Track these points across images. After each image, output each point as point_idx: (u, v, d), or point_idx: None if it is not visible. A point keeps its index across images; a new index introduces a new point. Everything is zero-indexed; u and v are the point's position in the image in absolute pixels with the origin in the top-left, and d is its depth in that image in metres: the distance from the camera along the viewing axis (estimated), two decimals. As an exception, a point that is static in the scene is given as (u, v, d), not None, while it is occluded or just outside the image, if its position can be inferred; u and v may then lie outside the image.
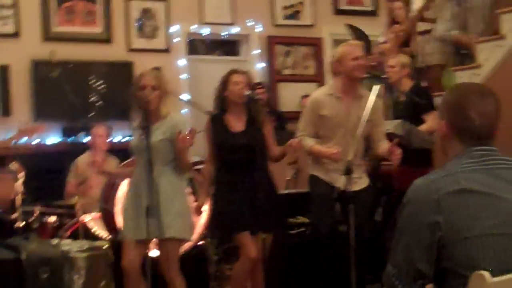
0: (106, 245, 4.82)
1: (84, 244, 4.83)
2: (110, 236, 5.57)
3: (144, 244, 4.60)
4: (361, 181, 5.05)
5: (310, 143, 5.04)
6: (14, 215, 5.96)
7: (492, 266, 2.06)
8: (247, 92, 4.95)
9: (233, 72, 5.07)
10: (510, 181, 2.19)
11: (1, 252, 3.67)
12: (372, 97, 4.73)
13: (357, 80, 5.09)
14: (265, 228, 5.00)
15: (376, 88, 4.78)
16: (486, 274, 2.01)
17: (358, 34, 7.88)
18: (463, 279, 2.07)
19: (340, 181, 4.78)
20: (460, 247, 2.10)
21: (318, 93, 5.23)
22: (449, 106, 2.32)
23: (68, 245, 4.71)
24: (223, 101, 5.05)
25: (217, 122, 5.04)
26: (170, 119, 4.77)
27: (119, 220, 5.14)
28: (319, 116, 5.04)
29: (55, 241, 4.88)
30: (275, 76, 9.33)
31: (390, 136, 5.23)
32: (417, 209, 2.18)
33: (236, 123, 5.03)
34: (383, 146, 4.97)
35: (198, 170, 5.51)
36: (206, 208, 5.28)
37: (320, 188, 5.04)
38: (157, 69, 7.00)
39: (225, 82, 5.01)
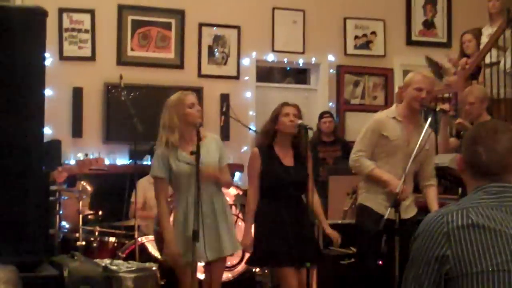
0: (155, 267, 4.89)
1: (133, 264, 4.90)
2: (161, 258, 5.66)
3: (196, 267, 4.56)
4: (410, 209, 4.98)
5: (370, 165, 4.97)
6: (77, 234, 6.17)
7: None
8: (299, 121, 4.95)
9: (284, 104, 5.07)
10: None
11: (45, 268, 3.76)
12: (426, 128, 4.70)
13: (415, 110, 5.02)
14: (309, 259, 4.91)
15: (428, 120, 4.74)
16: None
17: (434, 67, 7.82)
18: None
19: (389, 210, 4.62)
20: (466, 282, 2.09)
21: (380, 114, 5.14)
22: (464, 141, 2.34)
23: (118, 265, 4.79)
24: (272, 134, 5.04)
25: (267, 154, 5.01)
26: (212, 138, 4.90)
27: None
28: (380, 137, 4.96)
29: (107, 261, 4.96)
30: (344, 106, 9.30)
31: (445, 170, 5.15)
32: (427, 242, 2.19)
33: (285, 157, 5.02)
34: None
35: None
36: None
37: (368, 221, 4.90)
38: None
39: (276, 114, 5.01)
